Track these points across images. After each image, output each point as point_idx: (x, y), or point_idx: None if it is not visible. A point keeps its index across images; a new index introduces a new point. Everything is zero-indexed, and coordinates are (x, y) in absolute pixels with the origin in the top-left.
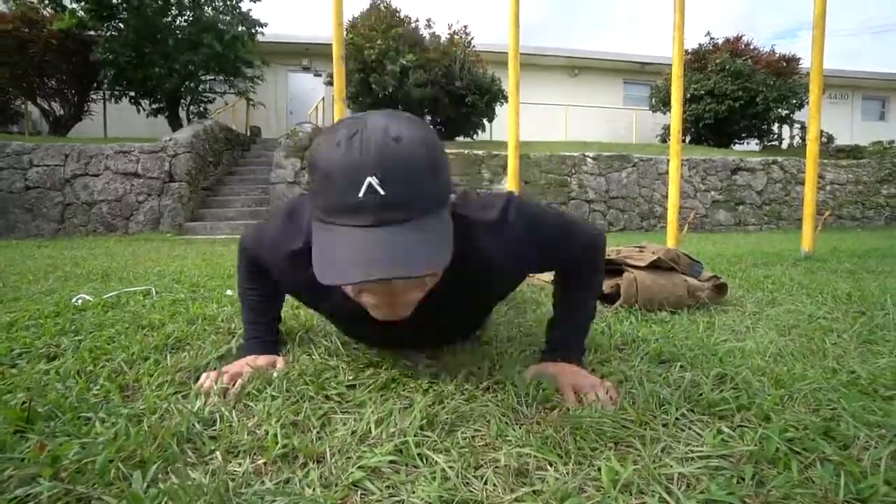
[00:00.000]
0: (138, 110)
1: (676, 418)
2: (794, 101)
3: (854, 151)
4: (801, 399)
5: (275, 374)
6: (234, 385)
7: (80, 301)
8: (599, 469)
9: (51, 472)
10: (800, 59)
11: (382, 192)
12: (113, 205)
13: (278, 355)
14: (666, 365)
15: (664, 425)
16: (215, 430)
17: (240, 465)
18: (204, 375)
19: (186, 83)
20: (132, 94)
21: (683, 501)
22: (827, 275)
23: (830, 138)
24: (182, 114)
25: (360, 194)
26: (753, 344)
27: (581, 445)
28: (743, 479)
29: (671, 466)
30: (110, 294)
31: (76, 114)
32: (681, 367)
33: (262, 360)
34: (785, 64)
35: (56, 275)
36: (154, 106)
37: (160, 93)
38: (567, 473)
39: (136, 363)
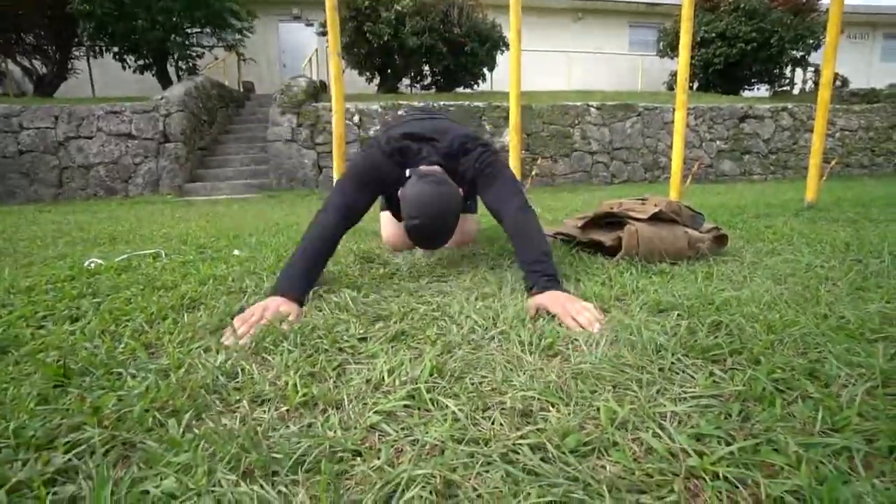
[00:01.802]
0: (124, 67)
1: (672, 363)
2: (812, 42)
3: (869, 95)
4: (791, 343)
5: (286, 327)
6: (251, 331)
7: (92, 265)
8: (598, 409)
9: (94, 421)
10: None
11: (433, 244)
12: (110, 167)
13: (300, 307)
14: (664, 314)
15: (660, 369)
16: (238, 382)
17: (265, 412)
18: (226, 330)
19: (172, 37)
20: (116, 49)
21: (674, 435)
22: (828, 224)
23: (845, 82)
24: (171, 70)
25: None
26: (749, 293)
27: (581, 389)
28: (730, 416)
29: (665, 406)
30: (121, 257)
31: (60, 72)
32: (678, 315)
33: (285, 308)
34: (804, 1)
35: (64, 240)
36: (140, 62)
37: (145, 47)
38: (568, 414)
39: (156, 322)
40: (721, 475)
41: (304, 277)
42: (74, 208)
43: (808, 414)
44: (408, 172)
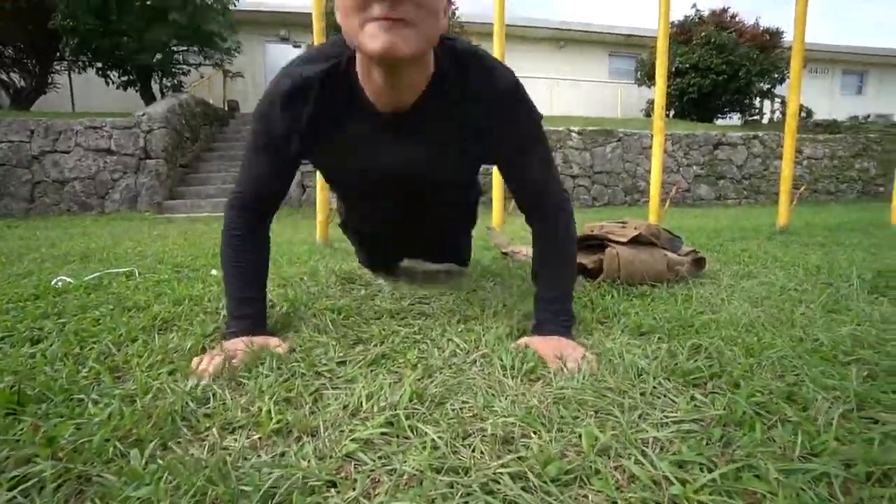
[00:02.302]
0: (107, 83)
1: (653, 387)
2: (776, 76)
3: (832, 126)
4: (769, 366)
5: (281, 353)
6: (228, 365)
7: (59, 283)
8: (580, 436)
9: (48, 452)
10: (783, 32)
11: None
12: (86, 183)
13: (270, 335)
14: (645, 337)
15: (642, 394)
16: (209, 407)
17: (235, 440)
18: (196, 360)
19: (158, 54)
20: (99, 65)
21: (657, 462)
22: (799, 248)
23: (810, 113)
24: (155, 87)
25: None
26: (727, 315)
27: (563, 414)
28: (711, 441)
29: (647, 431)
30: (92, 276)
31: (39, 86)
32: (658, 338)
33: (258, 340)
34: (768, 37)
35: (31, 256)
36: (124, 78)
37: (130, 63)
38: (550, 440)
39: (124, 345)
40: (703, 503)
41: (255, 312)
42: (46, 224)
43: (787, 438)
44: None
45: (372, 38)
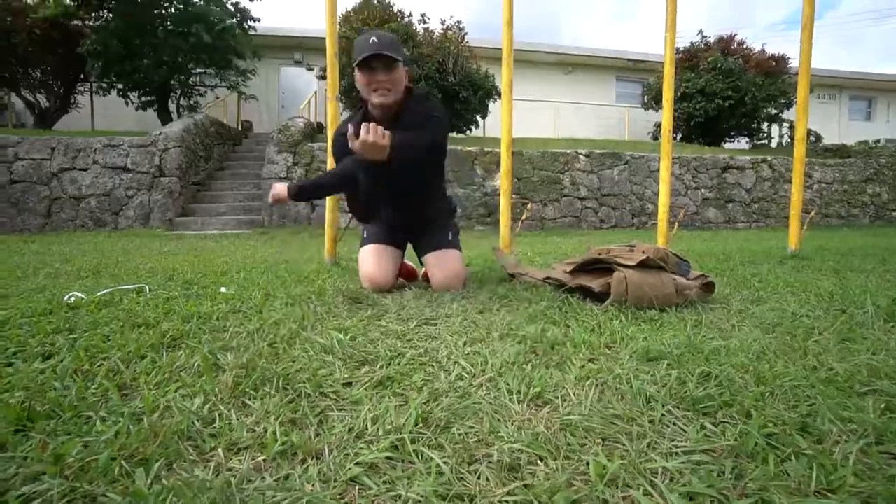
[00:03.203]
0: (127, 103)
1: (662, 415)
2: (783, 101)
3: (841, 150)
4: (781, 396)
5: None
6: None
7: (72, 299)
8: (588, 464)
9: (55, 471)
10: (789, 58)
11: (378, 42)
12: (102, 199)
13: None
14: (653, 363)
15: (650, 422)
16: (215, 427)
17: (240, 462)
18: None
19: (176, 76)
20: (120, 86)
21: (666, 494)
22: (811, 273)
23: (818, 137)
24: (172, 107)
25: (370, 42)
26: (738, 342)
27: (570, 441)
28: (723, 473)
29: (656, 461)
30: (103, 291)
31: (62, 106)
32: (668, 364)
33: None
34: (774, 63)
35: (46, 271)
36: (143, 99)
37: (149, 85)
38: (557, 469)
39: (133, 361)
40: None
41: (305, 183)
42: (60, 239)
43: (802, 472)
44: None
45: (376, 98)
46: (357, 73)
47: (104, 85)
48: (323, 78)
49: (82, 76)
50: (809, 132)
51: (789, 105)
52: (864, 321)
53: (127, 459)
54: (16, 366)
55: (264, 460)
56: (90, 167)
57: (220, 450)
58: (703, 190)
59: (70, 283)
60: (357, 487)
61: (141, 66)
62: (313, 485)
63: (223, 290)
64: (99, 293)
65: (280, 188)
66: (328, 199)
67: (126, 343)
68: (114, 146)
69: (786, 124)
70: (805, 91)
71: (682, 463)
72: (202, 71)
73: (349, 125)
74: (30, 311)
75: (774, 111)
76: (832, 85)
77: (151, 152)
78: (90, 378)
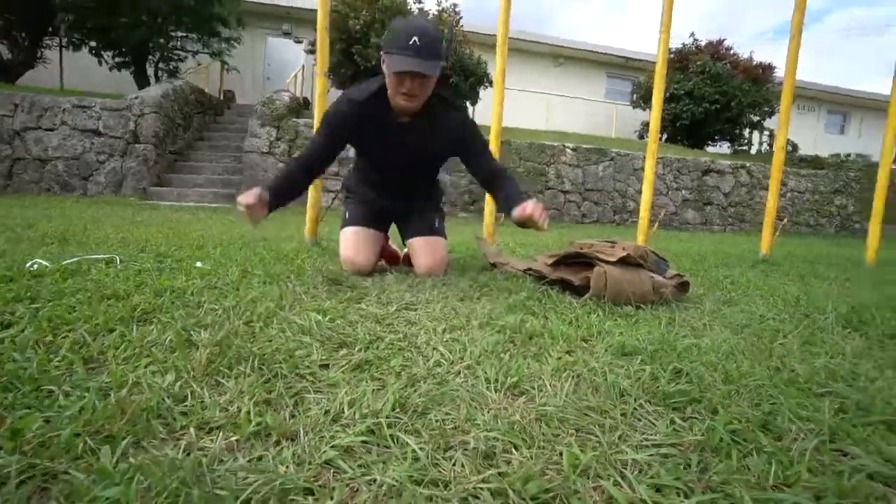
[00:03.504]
0: (100, 62)
1: (634, 408)
2: (766, 109)
3: (815, 161)
4: (747, 394)
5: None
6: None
7: (35, 266)
8: (561, 454)
9: (12, 446)
10: (775, 67)
11: (419, 44)
12: (70, 163)
13: (264, 207)
14: (628, 357)
15: (623, 415)
16: (186, 405)
17: (212, 441)
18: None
19: (155, 38)
20: (93, 44)
21: (635, 486)
22: (780, 278)
23: (795, 147)
24: (150, 71)
25: (411, 42)
26: (709, 341)
27: (545, 431)
28: (689, 466)
29: (626, 453)
30: (70, 260)
31: (27, 59)
32: (641, 360)
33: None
34: (761, 71)
35: (6, 236)
36: (118, 59)
37: (125, 45)
38: (531, 457)
39: (101, 335)
40: None
41: (271, 185)
42: (23, 202)
43: (762, 467)
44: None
45: (401, 100)
46: (385, 62)
47: (75, 40)
48: (312, 52)
49: (51, 29)
50: (788, 141)
51: (772, 113)
52: (824, 326)
53: (92, 436)
54: None
55: (237, 440)
56: (58, 128)
57: (191, 428)
58: (683, 191)
59: (33, 249)
60: (332, 470)
61: (117, 24)
62: (287, 467)
63: (199, 264)
64: (65, 262)
65: (251, 196)
66: None
67: (93, 315)
68: (85, 107)
69: (766, 132)
70: (788, 99)
71: (651, 455)
72: (183, 35)
73: (357, 101)
74: None
75: (757, 118)
76: (811, 97)
77: (126, 117)
78: (53, 350)
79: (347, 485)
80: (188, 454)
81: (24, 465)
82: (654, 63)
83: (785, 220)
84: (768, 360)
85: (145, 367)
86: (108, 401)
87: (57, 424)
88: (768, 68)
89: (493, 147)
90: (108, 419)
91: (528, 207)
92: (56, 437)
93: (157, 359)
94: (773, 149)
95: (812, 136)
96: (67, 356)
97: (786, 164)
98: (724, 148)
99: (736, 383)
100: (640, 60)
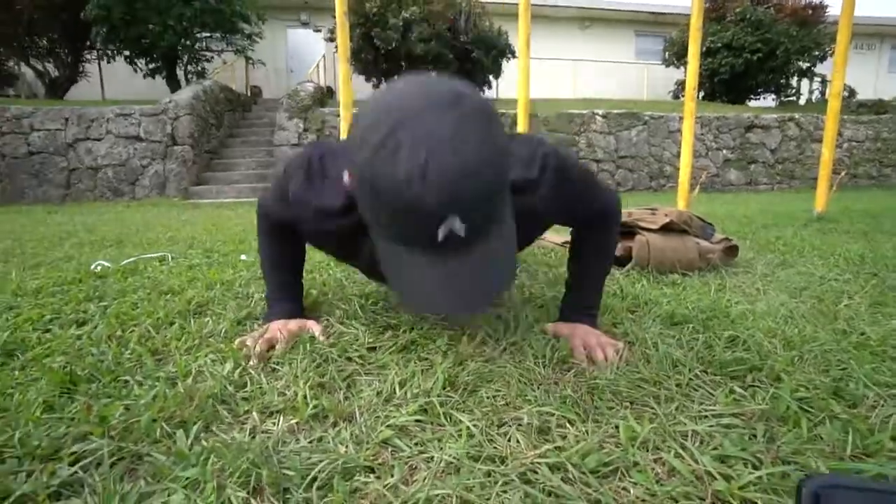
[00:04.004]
0: (134, 70)
1: (690, 379)
2: (817, 53)
3: (877, 106)
4: (812, 360)
5: (317, 335)
6: (270, 350)
7: (98, 267)
8: (617, 427)
9: (101, 431)
10: (827, 6)
11: (463, 235)
12: (118, 169)
13: (307, 318)
14: (678, 327)
15: (678, 385)
16: (247, 391)
17: (274, 424)
18: (239, 341)
19: (182, 41)
20: (127, 53)
21: (698, 457)
22: (839, 236)
23: (852, 92)
24: (180, 74)
25: (440, 237)
26: (765, 306)
27: (598, 405)
28: (755, 437)
29: (685, 424)
30: (128, 260)
31: (71, 75)
32: (693, 328)
33: (293, 324)
34: (811, 12)
35: (71, 241)
36: (151, 66)
37: (156, 52)
38: (586, 431)
39: (163, 328)
40: (750, 500)
41: (292, 295)
42: (82, 209)
43: (837, 436)
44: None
45: None
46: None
47: (109, 51)
48: (331, 40)
49: (88, 43)
50: (844, 86)
51: (823, 58)
52: None
53: (167, 421)
54: (53, 332)
55: (297, 423)
56: (104, 137)
57: (254, 413)
58: (724, 151)
59: (95, 252)
60: (389, 449)
61: (146, 32)
62: (346, 447)
63: (243, 257)
64: (124, 262)
65: (295, 327)
66: None
67: (154, 310)
68: (125, 115)
69: (817, 79)
70: (846, 37)
71: (713, 426)
72: (208, 35)
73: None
74: (61, 280)
75: (807, 65)
76: (871, 33)
77: (162, 121)
78: (123, 344)
79: (406, 463)
80: (254, 437)
81: (114, 448)
82: (687, 16)
83: (843, 174)
84: (833, 323)
85: (206, 356)
86: (176, 389)
87: (136, 412)
88: (819, 7)
89: (521, 121)
90: (179, 405)
91: (566, 332)
92: (136, 422)
93: (216, 348)
94: (827, 96)
95: (872, 78)
96: (136, 349)
97: (842, 112)
98: (768, 101)
99: (799, 349)
100: (670, 14)
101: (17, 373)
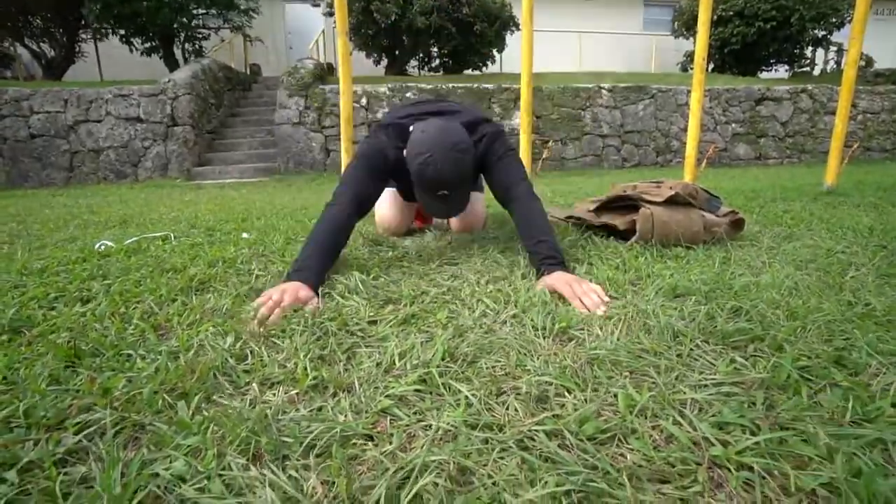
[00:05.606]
0: (131, 49)
1: (691, 349)
2: (834, 20)
3: (894, 76)
4: (815, 330)
5: (306, 312)
6: (273, 314)
7: (102, 247)
8: (616, 396)
9: (105, 402)
10: None
11: (447, 193)
12: (120, 151)
13: (317, 296)
14: (681, 299)
15: (678, 355)
16: (247, 364)
17: (274, 395)
18: (257, 302)
19: (178, 17)
20: (122, 32)
21: (696, 424)
22: (849, 209)
23: (869, 61)
24: (177, 53)
25: (438, 194)
26: (769, 278)
27: (597, 375)
28: (754, 404)
29: (685, 393)
30: (131, 240)
31: (68, 55)
32: (695, 300)
33: (304, 293)
34: None
35: (75, 223)
36: (147, 45)
37: (152, 30)
38: (585, 400)
39: (165, 304)
40: (746, 465)
41: (317, 267)
42: (85, 192)
43: (837, 403)
44: (411, 128)
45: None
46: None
47: (104, 30)
48: (330, 14)
49: (83, 22)
50: (861, 55)
51: (840, 25)
52: None
53: (168, 393)
54: (58, 309)
55: (297, 393)
56: (104, 118)
57: (254, 384)
58: (733, 125)
59: (99, 232)
60: (389, 418)
61: (141, 9)
62: (346, 416)
63: (245, 235)
64: (127, 241)
65: (303, 296)
66: (343, 141)
67: (157, 287)
68: (124, 96)
69: (833, 48)
70: (866, 2)
71: (712, 394)
72: (204, 12)
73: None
74: (65, 260)
75: (823, 33)
76: None
77: (162, 101)
78: (127, 320)
79: (404, 430)
80: (254, 407)
81: (117, 418)
82: None
83: (855, 146)
84: (838, 294)
85: (207, 331)
86: (178, 362)
87: (138, 384)
88: None
89: (525, 94)
90: (181, 378)
91: (554, 283)
92: (139, 394)
93: (217, 323)
94: (843, 66)
95: (892, 46)
96: (139, 325)
97: (858, 82)
98: (780, 72)
99: (802, 319)
100: None
101: (23, 348)
